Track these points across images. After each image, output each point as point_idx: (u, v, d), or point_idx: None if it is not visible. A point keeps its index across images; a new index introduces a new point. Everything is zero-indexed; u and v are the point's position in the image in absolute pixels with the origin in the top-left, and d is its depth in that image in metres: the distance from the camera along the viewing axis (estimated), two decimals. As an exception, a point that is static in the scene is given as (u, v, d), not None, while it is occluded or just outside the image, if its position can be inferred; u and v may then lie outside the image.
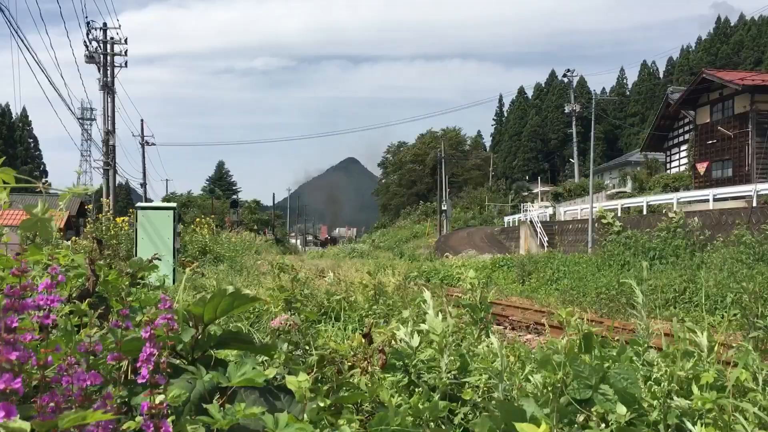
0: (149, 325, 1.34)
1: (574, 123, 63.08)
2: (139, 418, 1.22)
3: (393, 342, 3.22)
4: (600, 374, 1.85)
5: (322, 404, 1.76)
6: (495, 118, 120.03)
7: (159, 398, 1.22)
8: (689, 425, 2.08)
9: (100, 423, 1.17)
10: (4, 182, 1.26)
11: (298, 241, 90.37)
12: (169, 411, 1.37)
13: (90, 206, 32.17)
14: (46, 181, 1.60)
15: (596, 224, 29.06)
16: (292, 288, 4.65)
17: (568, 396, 1.85)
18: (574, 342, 2.03)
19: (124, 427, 1.21)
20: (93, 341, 1.24)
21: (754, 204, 23.29)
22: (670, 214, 20.74)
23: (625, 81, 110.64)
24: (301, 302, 4.58)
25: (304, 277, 6.71)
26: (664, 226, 20.39)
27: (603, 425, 1.91)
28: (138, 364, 1.30)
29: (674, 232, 19.90)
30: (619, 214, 30.75)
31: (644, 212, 29.23)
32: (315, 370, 2.31)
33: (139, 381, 1.28)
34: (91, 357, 1.48)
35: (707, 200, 26.93)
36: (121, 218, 18.37)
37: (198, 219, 25.83)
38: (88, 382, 1.17)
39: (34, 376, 1.21)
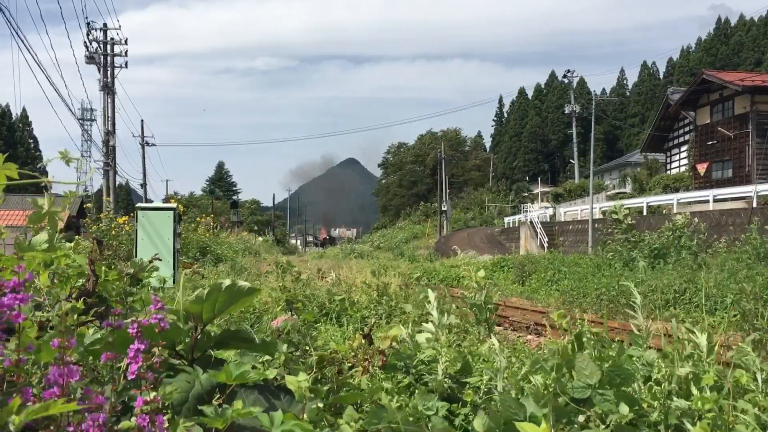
0: (136, 322, 1.35)
1: (574, 124, 63.06)
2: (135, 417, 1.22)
3: (394, 342, 3.22)
4: (600, 373, 1.85)
5: (321, 404, 1.76)
6: (495, 118, 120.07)
7: (152, 393, 1.23)
8: (689, 426, 2.08)
9: (96, 421, 1.17)
10: (9, 178, 1.27)
11: (298, 241, 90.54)
12: (169, 410, 1.37)
13: (89, 205, 32.12)
14: (42, 175, 1.60)
15: (597, 224, 29.04)
16: (293, 288, 4.66)
17: (566, 397, 1.85)
18: (568, 344, 2.03)
19: (121, 426, 1.21)
20: (65, 338, 1.23)
21: (755, 205, 23.29)
22: (679, 217, 20.60)
23: (625, 81, 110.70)
24: (302, 303, 4.58)
25: (306, 278, 6.73)
26: (670, 227, 20.28)
27: (603, 426, 1.90)
28: (126, 361, 1.32)
29: (680, 233, 19.81)
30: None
31: (644, 213, 29.23)
32: (315, 370, 2.31)
33: (129, 377, 1.31)
34: (90, 357, 1.48)
35: (707, 201, 26.93)
36: (123, 218, 18.36)
37: (199, 218, 25.84)
38: (65, 380, 1.17)
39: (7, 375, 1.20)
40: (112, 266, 2.77)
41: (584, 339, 2.06)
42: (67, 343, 1.20)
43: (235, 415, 1.31)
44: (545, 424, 1.38)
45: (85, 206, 36.46)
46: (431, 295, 3.41)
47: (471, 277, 4.17)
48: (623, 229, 21.82)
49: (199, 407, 1.37)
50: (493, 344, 2.40)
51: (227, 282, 1.66)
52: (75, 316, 1.97)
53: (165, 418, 1.22)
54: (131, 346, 1.31)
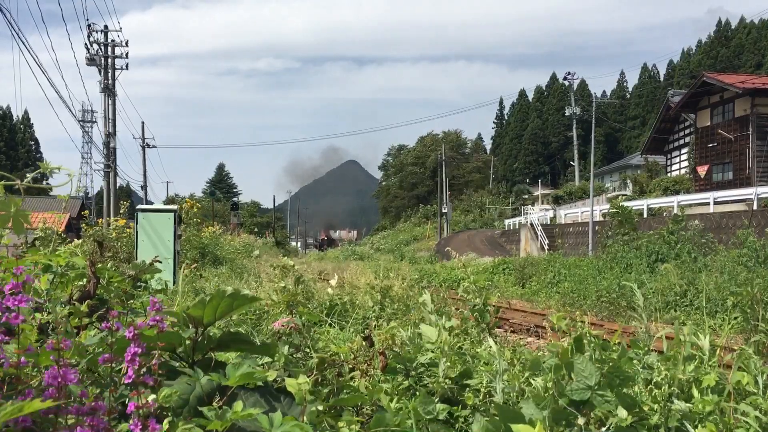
0: (132, 325, 1.34)
1: (574, 126, 63.07)
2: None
3: (393, 344, 3.21)
4: (599, 374, 1.85)
5: (321, 407, 1.75)
6: (495, 120, 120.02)
7: (150, 397, 1.21)
8: (690, 428, 2.08)
9: (93, 423, 1.15)
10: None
11: (299, 243, 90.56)
12: (168, 413, 1.36)
13: (85, 212, 32.11)
14: (28, 178, 1.60)
15: (597, 226, 29.02)
16: (294, 290, 4.65)
17: (565, 399, 1.84)
18: (568, 345, 2.03)
19: (119, 429, 1.21)
20: (60, 338, 1.21)
21: (755, 207, 23.28)
22: (675, 215, 20.53)
23: (625, 84, 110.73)
24: (303, 304, 4.57)
25: (308, 280, 6.71)
26: (671, 228, 20.18)
27: (603, 428, 1.90)
28: (124, 364, 1.30)
29: (678, 234, 19.75)
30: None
31: (645, 215, 29.21)
32: (315, 372, 2.31)
33: (125, 381, 1.28)
34: (88, 359, 1.48)
35: (708, 203, 26.91)
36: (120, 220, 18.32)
37: (207, 225, 25.84)
38: (59, 380, 1.15)
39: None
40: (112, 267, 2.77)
41: (585, 341, 2.06)
42: (62, 345, 1.19)
43: (234, 417, 1.30)
44: (540, 425, 1.38)
45: (83, 213, 36.41)
46: (427, 299, 3.42)
47: (469, 280, 4.17)
48: (624, 231, 21.75)
49: (200, 409, 1.37)
50: (491, 347, 2.39)
51: (230, 290, 1.68)
52: (77, 319, 1.97)
53: (165, 420, 1.22)
54: (129, 350, 1.29)
